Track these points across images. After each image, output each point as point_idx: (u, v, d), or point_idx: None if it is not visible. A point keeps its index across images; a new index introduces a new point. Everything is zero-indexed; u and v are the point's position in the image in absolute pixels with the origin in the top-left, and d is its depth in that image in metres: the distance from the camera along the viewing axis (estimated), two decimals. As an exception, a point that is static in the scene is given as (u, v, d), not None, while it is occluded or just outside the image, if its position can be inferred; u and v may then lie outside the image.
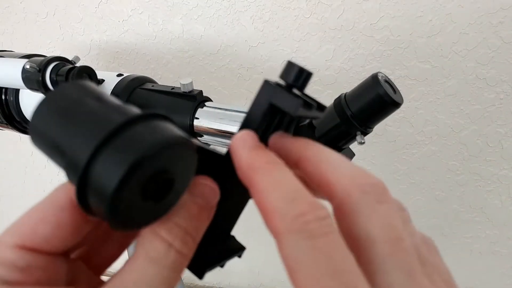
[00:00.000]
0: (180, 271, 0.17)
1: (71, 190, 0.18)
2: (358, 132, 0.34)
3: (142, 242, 0.17)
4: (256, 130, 0.20)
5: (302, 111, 0.19)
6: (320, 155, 0.19)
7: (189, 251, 0.18)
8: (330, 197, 0.18)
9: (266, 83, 0.20)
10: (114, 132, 0.15)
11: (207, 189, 0.19)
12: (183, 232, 0.18)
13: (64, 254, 0.19)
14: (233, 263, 0.59)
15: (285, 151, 0.20)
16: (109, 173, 0.15)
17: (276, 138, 0.21)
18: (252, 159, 0.18)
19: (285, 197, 0.16)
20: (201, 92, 0.45)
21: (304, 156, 0.19)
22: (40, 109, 0.18)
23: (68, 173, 0.16)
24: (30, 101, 0.52)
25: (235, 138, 0.19)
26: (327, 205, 0.17)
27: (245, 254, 0.24)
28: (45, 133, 0.17)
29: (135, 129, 0.16)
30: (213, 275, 0.98)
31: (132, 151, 0.15)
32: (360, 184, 0.17)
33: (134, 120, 0.16)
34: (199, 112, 0.43)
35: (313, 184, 0.19)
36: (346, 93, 0.35)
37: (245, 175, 0.18)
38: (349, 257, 0.15)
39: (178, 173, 0.17)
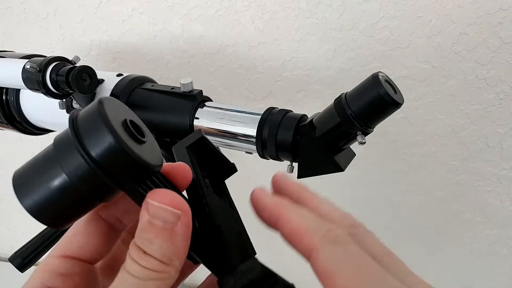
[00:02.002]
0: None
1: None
2: (359, 132, 0.34)
3: (126, 260, 0.19)
4: None
5: None
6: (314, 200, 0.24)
7: (164, 275, 0.19)
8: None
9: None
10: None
11: (160, 209, 0.19)
12: (157, 252, 0.19)
13: (96, 262, 0.23)
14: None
15: (264, 211, 0.23)
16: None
17: (255, 196, 0.24)
18: (278, 200, 0.23)
19: (313, 220, 0.21)
20: (201, 92, 0.45)
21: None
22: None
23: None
24: (30, 101, 0.52)
25: (255, 191, 0.24)
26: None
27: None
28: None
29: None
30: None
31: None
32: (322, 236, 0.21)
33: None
34: (199, 112, 0.43)
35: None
36: (346, 92, 0.35)
37: (274, 212, 0.22)
38: (369, 258, 0.20)
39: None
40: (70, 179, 0.18)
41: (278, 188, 0.25)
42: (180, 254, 0.19)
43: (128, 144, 0.18)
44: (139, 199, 0.19)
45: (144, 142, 0.19)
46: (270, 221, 0.22)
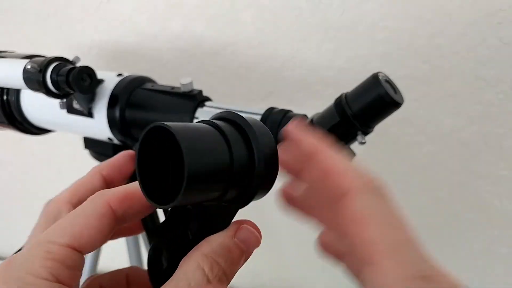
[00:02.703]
0: None
1: (110, 198, 0.21)
2: (359, 132, 0.35)
3: (185, 270, 0.19)
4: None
5: None
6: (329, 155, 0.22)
7: None
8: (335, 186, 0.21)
9: None
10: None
11: (252, 237, 0.21)
12: (222, 271, 0.19)
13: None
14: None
15: (301, 142, 0.23)
16: None
17: (294, 127, 0.24)
18: (320, 137, 0.22)
19: (353, 166, 0.21)
20: (201, 92, 0.45)
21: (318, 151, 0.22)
22: None
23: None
24: (31, 102, 0.52)
25: (294, 122, 0.23)
26: None
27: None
28: None
29: None
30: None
31: None
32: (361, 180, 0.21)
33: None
34: (199, 112, 0.43)
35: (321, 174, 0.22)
36: (346, 92, 0.35)
37: (312, 145, 0.21)
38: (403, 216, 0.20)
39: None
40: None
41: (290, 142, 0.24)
42: (231, 279, 0.20)
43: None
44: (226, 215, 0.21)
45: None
46: (303, 153, 0.22)
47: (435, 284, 0.18)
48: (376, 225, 0.19)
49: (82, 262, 0.20)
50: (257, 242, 0.21)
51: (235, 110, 0.41)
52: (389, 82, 0.34)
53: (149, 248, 0.23)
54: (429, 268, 0.19)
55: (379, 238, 0.18)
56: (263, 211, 0.63)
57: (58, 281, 0.19)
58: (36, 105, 0.52)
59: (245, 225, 0.21)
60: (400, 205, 0.22)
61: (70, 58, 0.45)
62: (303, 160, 0.22)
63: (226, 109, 0.42)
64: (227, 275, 0.19)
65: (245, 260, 0.21)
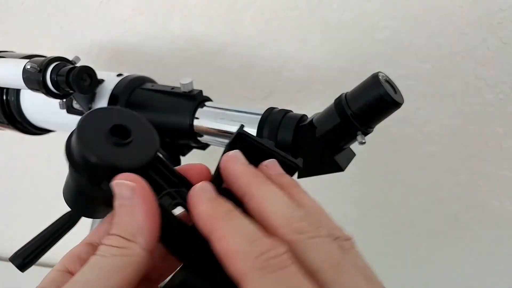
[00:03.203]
0: (124, 270, 0.19)
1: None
2: (359, 132, 0.34)
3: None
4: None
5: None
6: (260, 195, 0.21)
7: (127, 251, 0.19)
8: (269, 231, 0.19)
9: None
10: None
11: (118, 187, 0.20)
12: (113, 236, 0.20)
13: None
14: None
15: (233, 181, 0.22)
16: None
17: (227, 162, 0.22)
18: (212, 209, 0.19)
19: (246, 239, 0.18)
20: (201, 92, 0.45)
21: (248, 193, 0.21)
22: None
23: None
24: (31, 102, 0.52)
25: (193, 189, 0.21)
26: None
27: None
28: None
29: None
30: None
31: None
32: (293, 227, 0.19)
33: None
34: (199, 112, 0.43)
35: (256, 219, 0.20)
36: (346, 93, 0.35)
37: (206, 224, 0.19)
38: (307, 284, 0.17)
39: (134, 131, 0.22)
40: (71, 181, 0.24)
41: (226, 177, 0.22)
42: (144, 231, 0.19)
43: (97, 152, 0.21)
44: None
45: (126, 143, 0.22)
46: (204, 234, 0.19)
47: None
48: None
49: None
50: (120, 187, 0.20)
51: (235, 110, 0.42)
52: (389, 82, 0.34)
53: None
54: None
55: None
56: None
57: (69, 272, 0.21)
58: (36, 105, 0.52)
59: (113, 181, 0.21)
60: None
61: (70, 58, 0.45)
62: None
63: (226, 109, 0.42)
64: (126, 230, 0.20)
65: (142, 202, 0.20)
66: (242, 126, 0.24)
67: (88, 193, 0.23)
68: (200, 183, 0.21)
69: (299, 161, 0.24)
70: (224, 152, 0.23)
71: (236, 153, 0.22)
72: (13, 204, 1.00)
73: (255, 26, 0.65)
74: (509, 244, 0.74)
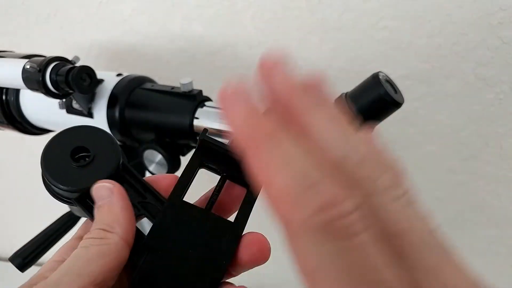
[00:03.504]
0: (104, 258, 0.20)
1: None
2: (359, 132, 0.34)
3: None
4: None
5: None
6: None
7: (106, 241, 0.21)
8: None
9: None
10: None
11: (98, 190, 0.23)
12: (94, 230, 0.22)
13: None
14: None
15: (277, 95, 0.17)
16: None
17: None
18: (252, 126, 0.15)
19: (301, 180, 0.13)
20: (201, 92, 0.45)
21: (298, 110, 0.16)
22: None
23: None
24: (30, 102, 0.52)
25: (223, 92, 0.16)
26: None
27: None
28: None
29: None
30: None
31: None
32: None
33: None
34: (199, 112, 0.43)
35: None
36: (346, 92, 0.35)
37: (244, 146, 0.14)
38: (380, 263, 0.13)
39: (95, 150, 0.24)
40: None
41: (266, 84, 0.17)
42: (120, 221, 0.22)
43: (57, 178, 0.24)
44: (90, 212, 0.24)
45: (84, 165, 0.24)
46: (244, 158, 0.15)
47: None
48: (324, 285, 0.13)
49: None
50: (99, 190, 0.23)
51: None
52: (389, 82, 0.34)
53: None
54: None
55: None
56: (265, 209, 0.63)
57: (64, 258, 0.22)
58: (36, 105, 0.52)
59: (91, 190, 0.23)
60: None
61: (70, 57, 0.45)
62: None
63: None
64: (104, 221, 0.22)
65: (120, 199, 0.22)
66: (205, 130, 0.24)
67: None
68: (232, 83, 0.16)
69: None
70: (189, 164, 0.24)
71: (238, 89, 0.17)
72: (13, 204, 1.00)
73: (255, 26, 0.65)
74: (509, 244, 0.74)
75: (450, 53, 0.60)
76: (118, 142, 0.49)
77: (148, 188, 0.24)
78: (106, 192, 0.23)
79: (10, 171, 0.94)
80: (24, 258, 0.42)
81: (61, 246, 0.24)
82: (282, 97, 0.16)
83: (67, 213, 0.48)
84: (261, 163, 0.14)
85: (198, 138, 0.24)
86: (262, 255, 0.23)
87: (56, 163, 0.24)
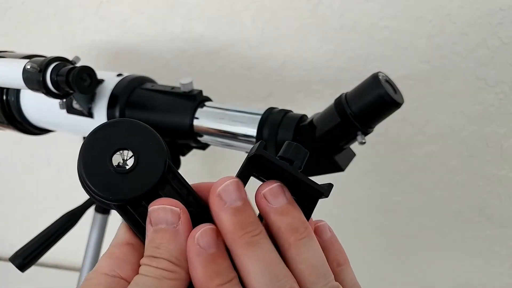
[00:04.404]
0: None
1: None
2: (359, 132, 0.34)
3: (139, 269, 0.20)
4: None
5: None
6: (244, 262, 0.20)
7: (176, 275, 0.19)
8: None
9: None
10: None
11: (160, 212, 0.21)
12: (161, 260, 0.20)
13: None
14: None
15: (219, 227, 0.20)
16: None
17: (213, 202, 0.21)
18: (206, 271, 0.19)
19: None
20: (201, 92, 0.45)
21: (233, 252, 0.20)
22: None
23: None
24: (31, 102, 0.52)
25: (216, 185, 0.20)
26: None
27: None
28: None
29: None
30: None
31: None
32: None
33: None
34: (199, 112, 0.43)
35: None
36: (346, 92, 0.35)
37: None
38: None
39: (138, 152, 0.21)
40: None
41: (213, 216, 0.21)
42: (187, 254, 0.20)
43: (99, 186, 0.21)
44: (132, 221, 0.21)
45: (127, 171, 0.21)
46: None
47: None
48: None
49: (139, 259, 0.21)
50: (165, 212, 0.20)
51: (235, 110, 0.42)
52: (389, 82, 0.34)
53: None
54: None
55: None
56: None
57: (120, 275, 0.20)
58: (36, 105, 0.52)
59: (149, 209, 0.21)
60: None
61: (70, 58, 0.45)
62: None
63: (226, 109, 0.42)
64: (172, 254, 0.20)
65: (186, 228, 0.20)
66: (261, 143, 0.22)
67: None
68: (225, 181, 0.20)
69: (326, 188, 0.22)
70: (240, 172, 0.22)
71: (227, 188, 0.20)
72: (13, 204, 1.00)
73: (255, 26, 0.65)
74: (509, 244, 0.74)
75: (450, 53, 0.60)
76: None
77: (192, 193, 0.22)
78: (172, 218, 0.20)
79: (10, 171, 0.94)
80: (25, 258, 0.42)
81: (103, 254, 0.22)
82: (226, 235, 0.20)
83: (67, 213, 0.48)
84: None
85: (250, 150, 0.22)
86: None
87: (95, 166, 0.21)
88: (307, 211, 0.22)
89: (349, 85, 0.37)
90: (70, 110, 0.48)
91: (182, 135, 0.43)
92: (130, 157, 0.21)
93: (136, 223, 0.21)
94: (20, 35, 0.77)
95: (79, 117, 0.48)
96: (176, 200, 0.21)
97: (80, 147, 0.21)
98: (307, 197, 0.22)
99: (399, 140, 0.69)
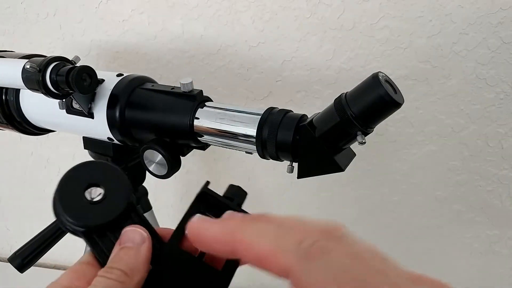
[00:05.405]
0: None
1: None
2: (359, 132, 0.34)
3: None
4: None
5: None
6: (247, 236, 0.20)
7: (125, 283, 0.21)
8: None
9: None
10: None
11: (135, 234, 0.24)
12: (116, 270, 0.22)
13: None
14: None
15: (213, 240, 0.22)
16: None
17: (196, 224, 0.23)
18: (225, 224, 0.21)
19: (277, 235, 0.19)
20: (201, 92, 0.44)
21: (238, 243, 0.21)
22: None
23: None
24: (30, 101, 0.52)
25: (193, 222, 0.22)
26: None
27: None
28: None
29: None
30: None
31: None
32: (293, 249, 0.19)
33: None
34: (199, 112, 0.43)
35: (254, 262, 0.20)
36: (346, 93, 0.35)
37: (227, 242, 0.20)
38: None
39: (106, 188, 0.25)
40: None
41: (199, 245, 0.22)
42: (141, 271, 0.22)
43: (70, 212, 0.24)
44: (97, 250, 0.24)
45: (95, 203, 0.24)
46: (226, 252, 0.21)
47: None
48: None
49: None
50: (134, 233, 0.23)
51: (235, 110, 0.42)
52: (389, 82, 0.34)
53: None
54: None
55: None
56: (265, 210, 0.63)
57: None
58: (35, 105, 0.52)
59: (123, 230, 0.24)
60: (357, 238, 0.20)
61: (70, 57, 0.45)
62: (232, 255, 0.21)
63: (226, 109, 0.42)
64: (128, 265, 0.22)
65: (147, 251, 0.23)
66: (207, 183, 0.25)
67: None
68: (195, 218, 0.23)
69: None
70: (188, 212, 0.25)
71: (199, 222, 0.23)
72: (13, 204, 1.00)
73: (255, 26, 0.65)
74: (509, 244, 0.74)
75: (450, 53, 0.60)
76: (118, 142, 0.49)
77: (151, 230, 0.25)
78: (139, 239, 0.23)
79: (10, 171, 0.94)
80: (23, 258, 0.42)
81: (68, 269, 0.24)
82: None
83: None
84: (249, 244, 0.19)
85: (199, 191, 0.25)
86: None
87: (69, 196, 0.25)
88: None
89: (349, 85, 0.36)
90: (70, 110, 0.48)
91: (182, 135, 0.43)
92: (99, 194, 0.25)
93: (100, 252, 0.24)
94: (19, 34, 0.77)
95: (79, 117, 0.48)
96: (144, 228, 0.24)
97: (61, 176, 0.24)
98: None
99: (399, 140, 0.69)
